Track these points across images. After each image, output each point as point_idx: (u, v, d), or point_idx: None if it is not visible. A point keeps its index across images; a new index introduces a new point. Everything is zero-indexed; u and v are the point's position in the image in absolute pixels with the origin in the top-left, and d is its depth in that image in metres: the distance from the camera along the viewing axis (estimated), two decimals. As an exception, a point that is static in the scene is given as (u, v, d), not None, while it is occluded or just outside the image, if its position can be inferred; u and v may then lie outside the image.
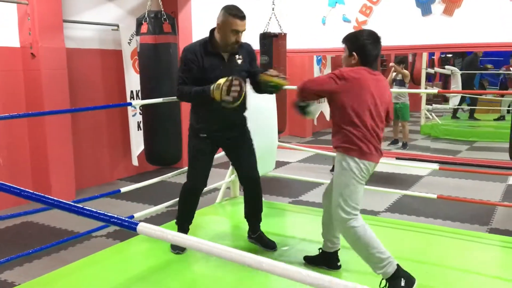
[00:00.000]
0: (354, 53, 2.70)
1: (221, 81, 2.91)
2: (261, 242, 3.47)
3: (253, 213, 3.49)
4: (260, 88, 3.23)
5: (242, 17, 3.02)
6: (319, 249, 3.11)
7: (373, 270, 2.67)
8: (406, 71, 8.25)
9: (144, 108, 4.65)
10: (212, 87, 2.94)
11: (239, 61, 3.17)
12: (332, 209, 2.78)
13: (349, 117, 2.62)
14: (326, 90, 2.67)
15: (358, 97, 2.61)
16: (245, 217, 3.53)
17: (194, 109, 3.27)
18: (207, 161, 3.32)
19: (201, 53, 3.09)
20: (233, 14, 3.00)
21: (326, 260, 3.08)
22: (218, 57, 3.12)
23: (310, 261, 3.15)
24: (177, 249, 3.32)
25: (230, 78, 2.92)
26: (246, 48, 3.23)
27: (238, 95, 2.92)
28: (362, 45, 2.69)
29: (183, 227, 3.47)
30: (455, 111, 11.45)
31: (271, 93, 3.34)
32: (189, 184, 3.38)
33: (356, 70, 2.67)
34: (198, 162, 3.30)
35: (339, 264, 3.06)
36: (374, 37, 2.73)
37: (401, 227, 3.90)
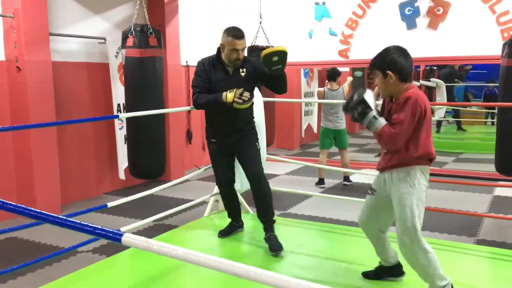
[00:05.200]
0: (389, 72, 2.58)
1: (234, 90, 3.36)
2: (268, 245, 3.57)
3: (259, 212, 3.66)
4: (272, 79, 3.50)
5: (240, 36, 3.40)
6: (379, 262, 3.03)
7: None
8: None
9: (128, 121, 4.62)
10: (224, 93, 3.36)
11: (243, 74, 3.52)
12: (399, 234, 2.66)
13: (420, 134, 2.59)
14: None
15: (428, 118, 2.60)
16: (257, 217, 3.74)
17: (206, 116, 3.69)
18: (222, 162, 3.71)
19: (209, 66, 3.52)
20: (231, 35, 3.40)
21: (390, 272, 3.02)
22: (224, 70, 3.52)
23: (372, 276, 3.06)
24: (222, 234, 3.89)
25: (242, 89, 3.36)
26: (252, 62, 3.60)
27: (248, 99, 3.36)
28: (393, 60, 2.60)
29: (231, 217, 4.00)
30: (438, 124, 11.43)
31: (277, 72, 3.40)
32: (216, 183, 3.93)
33: (422, 94, 2.61)
34: (215, 164, 3.77)
35: (403, 270, 2.99)
36: (401, 50, 2.64)
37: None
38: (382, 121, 2.57)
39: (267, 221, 3.63)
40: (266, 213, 3.63)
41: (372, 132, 2.62)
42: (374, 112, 2.58)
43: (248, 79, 3.55)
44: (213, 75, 3.51)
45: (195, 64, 3.64)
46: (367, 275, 3.08)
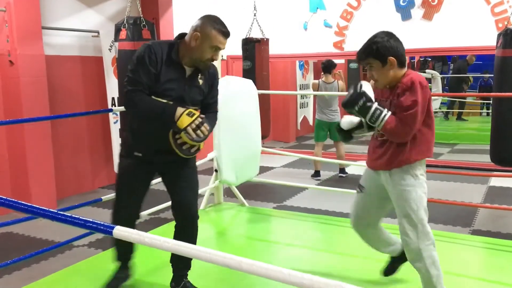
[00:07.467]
0: (391, 58, 2.36)
1: (195, 112, 2.45)
2: None
3: (176, 259, 2.83)
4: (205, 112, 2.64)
5: (227, 33, 2.53)
6: (390, 257, 2.89)
7: None
8: None
9: (122, 114, 4.60)
10: (181, 111, 2.41)
11: (200, 81, 2.61)
12: (404, 234, 2.52)
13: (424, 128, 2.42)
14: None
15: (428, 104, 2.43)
16: (170, 260, 2.85)
17: (131, 121, 2.67)
18: (139, 186, 2.71)
19: (162, 56, 2.50)
20: (217, 28, 2.49)
21: (403, 260, 2.81)
22: (179, 68, 2.54)
23: (392, 271, 2.91)
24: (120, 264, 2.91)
25: (202, 117, 2.47)
26: (212, 72, 2.69)
27: (203, 138, 2.46)
28: (391, 46, 2.38)
29: (121, 261, 2.93)
30: (446, 114, 11.91)
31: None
32: (115, 215, 2.74)
33: (420, 76, 2.42)
34: (128, 187, 2.70)
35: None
36: (390, 34, 2.45)
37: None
38: (386, 112, 2.35)
39: (186, 269, 2.84)
40: (189, 261, 2.85)
41: (378, 127, 2.39)
42: (376, 104, 2.37)
43: (203, 90, 2.63)
44: (163, 69, 2.49)
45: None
46: (386, 272, 2.90)
